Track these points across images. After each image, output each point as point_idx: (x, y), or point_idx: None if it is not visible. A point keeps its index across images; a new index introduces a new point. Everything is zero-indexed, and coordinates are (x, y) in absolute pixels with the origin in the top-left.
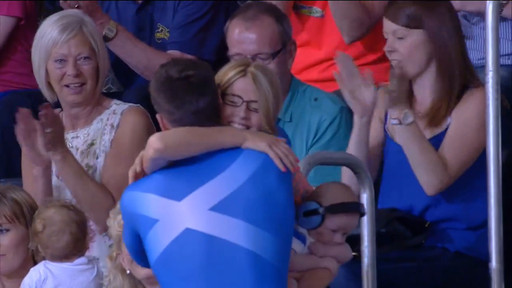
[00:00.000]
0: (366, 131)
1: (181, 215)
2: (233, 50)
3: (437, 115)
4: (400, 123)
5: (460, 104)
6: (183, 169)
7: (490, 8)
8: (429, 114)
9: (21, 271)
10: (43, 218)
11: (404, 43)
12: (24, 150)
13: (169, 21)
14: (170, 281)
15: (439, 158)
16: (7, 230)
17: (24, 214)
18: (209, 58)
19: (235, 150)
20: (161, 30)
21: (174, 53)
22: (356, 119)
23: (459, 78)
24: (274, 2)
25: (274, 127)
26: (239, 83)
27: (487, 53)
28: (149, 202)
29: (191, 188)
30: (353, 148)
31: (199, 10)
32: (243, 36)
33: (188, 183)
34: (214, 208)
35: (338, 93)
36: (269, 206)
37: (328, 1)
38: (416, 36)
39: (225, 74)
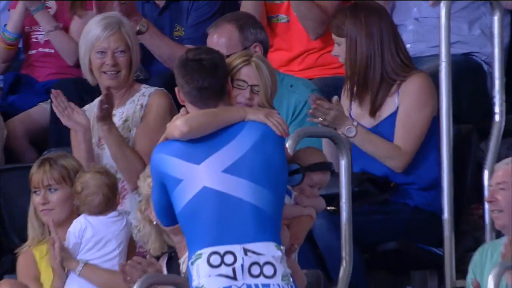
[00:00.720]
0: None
1: (199, 176)
2: None
3: (375, 106)
4: (347, 137)
5: (402, 92)
6: (199, 139)
7: (443, 10)
8: (370, 106)
9: (69, 222)
10: (81, 182)
11: (341, 49)
12: (64, 122)
13: (184, 21)
14: (191, 229)
15: (391, 145)
16: (55, 190)
17: (70, 177)
18: None
19: (239, 123)
20: (178, 29)
21: (190, 47)
22: None
23: (392, 73)
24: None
25: (271, 104)
26: (244, 70)
27: (440, 47)
28: (174, 164)
29: (207, 154)
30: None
31: (208, 12)
32: (209, 40)
33: (204, 150)
34: (225, 170)
35: (315, 81)
36: (268, 168)
37: (291, 5)
38: (343, 43)
39: (232, 62)
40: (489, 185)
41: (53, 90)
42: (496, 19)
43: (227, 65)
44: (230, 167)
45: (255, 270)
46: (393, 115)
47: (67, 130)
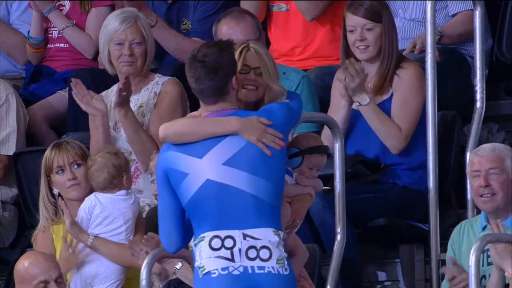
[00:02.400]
0: (349, 111)
1: (203, 169)
2: None
3: (382, 86)
4: (360, 105)
5: (398, 78)
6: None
7: (429, 6)
8: (376, 86)
9: (80, 201)
10: (91, 159)
11: (372, 33)
12: (83, 108)
13: (191, 16)
14: (197, 217)
15: (396, 125)
16: (79, 165)
17: (86, 155)
18: None
19: (235, 114)
20: (185, 23)
21: (197, 39)
22: (345, 104)
23: (395, 59)
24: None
25: (277, 80)
26: (245, 56)
27: (426, 40)
28: (180, 159)
29: (208, 148)
30: (341, 122)
31: (214, 7)
32: (233, 30)
33: (205, 144)
34: (225, 163)
35: (310, 71)
36: (265, 159)
37: None
38: (377, 28)
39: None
40: (477, 170)
41: (72, 79)
42: (477, 14)
43: (234, 64)
44: (230, 160)
45: (252, 253)
46: (386, 101)
47: (84, 116)
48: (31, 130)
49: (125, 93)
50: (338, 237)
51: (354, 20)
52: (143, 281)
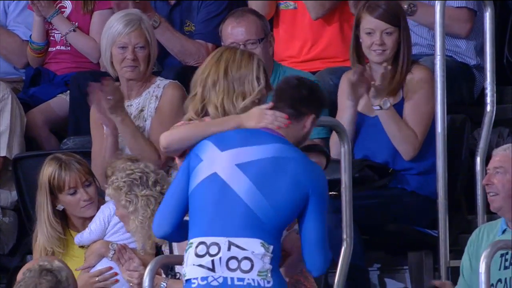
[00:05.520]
0: (355, 112)
1: (216, 162)
2: (228, 41)
3: (394, 89)
4: (381, 108)
5: (409, 83)
6: (239, 131)
7: (438, 7)
8: (391, 91)
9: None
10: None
11: (391, 38)
12: (93, 114)
13: (194, 18)
14: (192, 217)
15: (413, 131)
16: (90, 184)
17: (90, 170)
18: None
19: (272, 136)
20: (189, 25)
21: (200, 41)
22: (350, 104)
23: (408, 62)
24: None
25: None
26: None
27: (435, 42)
28: (205, 146)
29: (234, 146)
30: (347, 123)
31: (217, 9)
32: (235, 29)
33: (235, 141)
34: (238, 165)
35: (320, 73)
36: (275, 181)
37: None
38: (396, 32)
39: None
40: (487, 169)
41: (104, 82)
42: (487, 15)
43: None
44: (244, 164)
45: (233, 264)
46: (397, 105)
47: (85, 120)
48: (31, 134)
49: (110, 97)
50: (345, 243)
51: (373, 23)
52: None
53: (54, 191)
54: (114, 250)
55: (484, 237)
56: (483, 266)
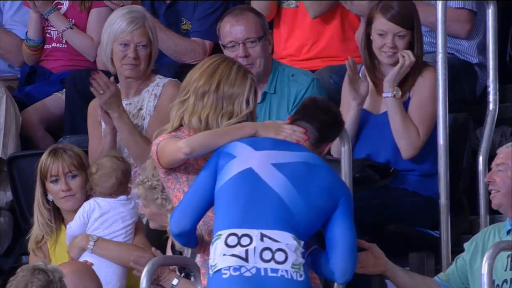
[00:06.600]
0: (358, 112)
1: (251, 159)
2: (226, 39)
3: (404, 91)
4: (394, 96)
5: (417, 83)
6: (270, 138)
7: (439, 6)
8: (403, 90)
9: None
10: (98, 163)
11: (403, 40)
12: (90, 111)
13: (190, 16)
14: (220, 210)
15: (416, 128)
16: (75, 176)
17: (84, 164)
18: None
19: (301, 146)
20: (185, 23)
21: (196, 39)
22: (353, 104)
23: (421, 64)
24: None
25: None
26: None
27: (437, 40)
28: (237, 146)
29: (269, 148)
30: (349, 123)
31: (213, 6)
32: (234, 28)
33: (269, 144)
34: (274, 165)
35: (320, 71)
36: (310, 181)
37: None
38: (408, 35)
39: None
40: (491, 167)
41: (94, 72)
42: (490, 13)
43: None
44: (279, 164)
45: (267, 255)
46: (403, 104)
47: (81, 119)
48: (27, 133)
49: (102, 92)
50: None
51: (386, 26)
52: None
53: (42, 178)
54: (94, 241)
55: (491, 237)
56: (485, 268)
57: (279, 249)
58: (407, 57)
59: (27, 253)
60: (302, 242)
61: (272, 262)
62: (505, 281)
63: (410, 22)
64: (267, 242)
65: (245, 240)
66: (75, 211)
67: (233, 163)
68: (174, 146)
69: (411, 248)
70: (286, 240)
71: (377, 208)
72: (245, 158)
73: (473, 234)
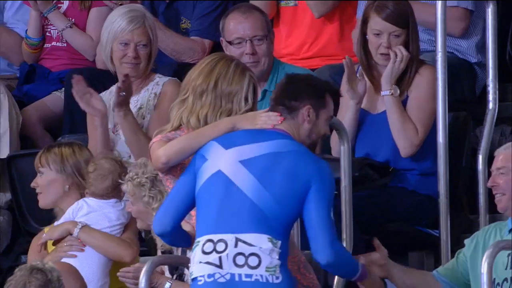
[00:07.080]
0: (357, 111)
1: (221, 159)
2: (233, 36)
3: (402, 91)
4: (392, 94)
5: (414, 81)
6: (247, 130)
7: (439, 5)
8: (401, 89)
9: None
10: (96, 163)
11: (399, 40)
12: (82, 107)
13: (190, 14)
14: (199, 216)
15: (414, 126)
16: (41, 173)
17: (63, 164)
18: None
19: (275, 133)
20: (184, 22)
21: (195, 38)
22: (352, 103)
23: (417, 63)
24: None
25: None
26: None
27: (437, 39)
28: (211, 146)
29: (238, 144)
30: (348, 122)
31: (212, 5)
32: (242, 25)
33: (239, 139)
34: (242, 162)
35: (320, 70)
36: (277, 175)
37: None
38: (404, 34)
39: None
40: (490, 171)
41: (74, 76)
42: (489, 11)
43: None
44: (247, 160)
45: (240, 260)
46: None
47: (80, 118)
48: (26, 132)
49: (124, 93)
50: (345, 243)
51: (381, 25)
52: None
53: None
54: (81, 227)
55: (492, 236)
56: (485, 267)
57: (252, 254)
58: (399, 52)
59: (25, 253)
60: (279, 242)
61: (246, 267)
62: (506, 279)
63: (405, 21)
64: (241, 247)
65: (220, 246)
66: (47, 210)
67: (205, 166)
68: (155, 154)
69: (410, 247)
70: (261, 243)
71: (376, 207)
72: (215, 160)
73: (473, 233)
